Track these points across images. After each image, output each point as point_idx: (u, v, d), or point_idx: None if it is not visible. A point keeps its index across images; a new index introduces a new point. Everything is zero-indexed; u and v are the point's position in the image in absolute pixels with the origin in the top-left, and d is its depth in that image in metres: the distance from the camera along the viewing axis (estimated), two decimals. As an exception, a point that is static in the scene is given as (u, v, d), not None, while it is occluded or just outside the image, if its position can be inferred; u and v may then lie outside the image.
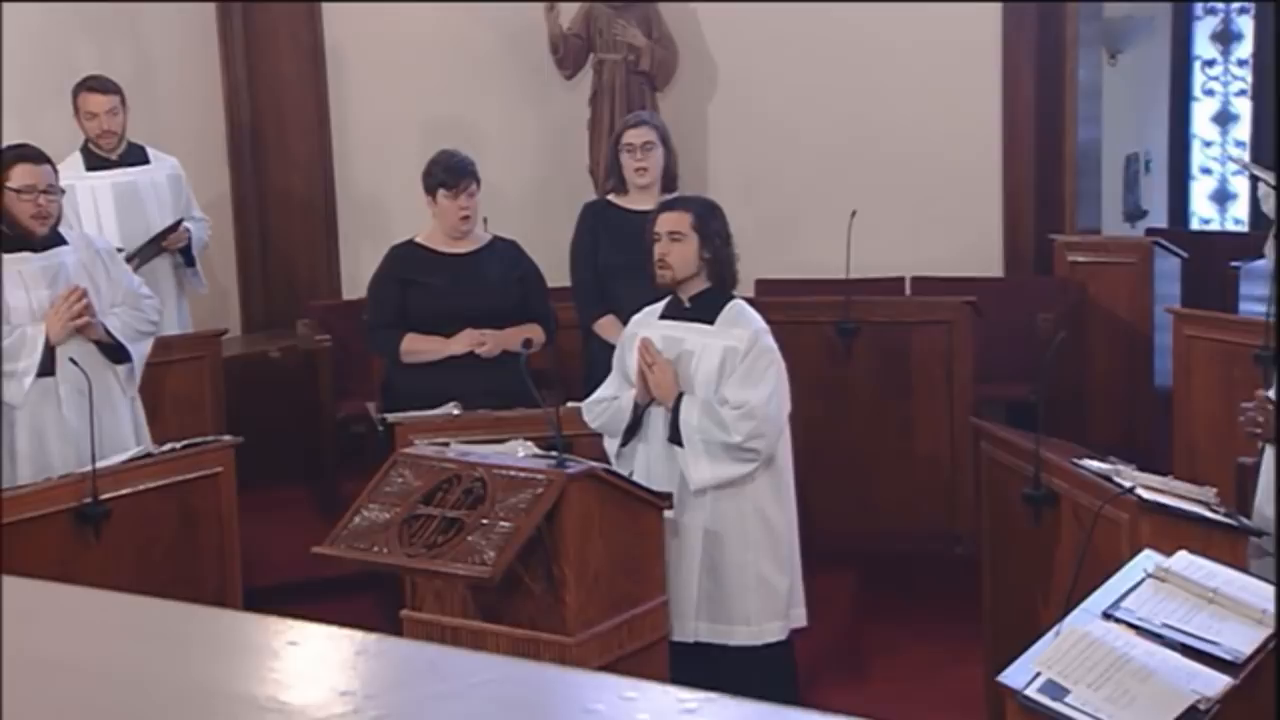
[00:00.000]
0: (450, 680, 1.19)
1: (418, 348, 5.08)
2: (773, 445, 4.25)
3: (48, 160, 4.64)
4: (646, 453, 4.34)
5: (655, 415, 4.32)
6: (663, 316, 4.42)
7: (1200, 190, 9.23)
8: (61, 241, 4.68)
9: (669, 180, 5.38)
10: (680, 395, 4.25)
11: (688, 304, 4.39)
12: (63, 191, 4.74)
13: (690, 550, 4.25)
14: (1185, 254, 6.76)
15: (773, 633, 4.30)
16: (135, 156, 6.00)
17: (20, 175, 4.55)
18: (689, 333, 4.34)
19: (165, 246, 5.91)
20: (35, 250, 4.60)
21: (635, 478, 4.26)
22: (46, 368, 4.52)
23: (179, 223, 5.93)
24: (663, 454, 4.30)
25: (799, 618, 4.38)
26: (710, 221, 4.37)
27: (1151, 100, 9.00)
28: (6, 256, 4.56)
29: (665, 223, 4.38)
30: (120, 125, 5.91)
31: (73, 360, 4.46)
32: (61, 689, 1.24)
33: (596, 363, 5.04)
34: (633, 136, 5.36)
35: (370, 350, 5.55)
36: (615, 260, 5.23)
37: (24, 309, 4.53)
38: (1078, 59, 7.19)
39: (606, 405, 4.38)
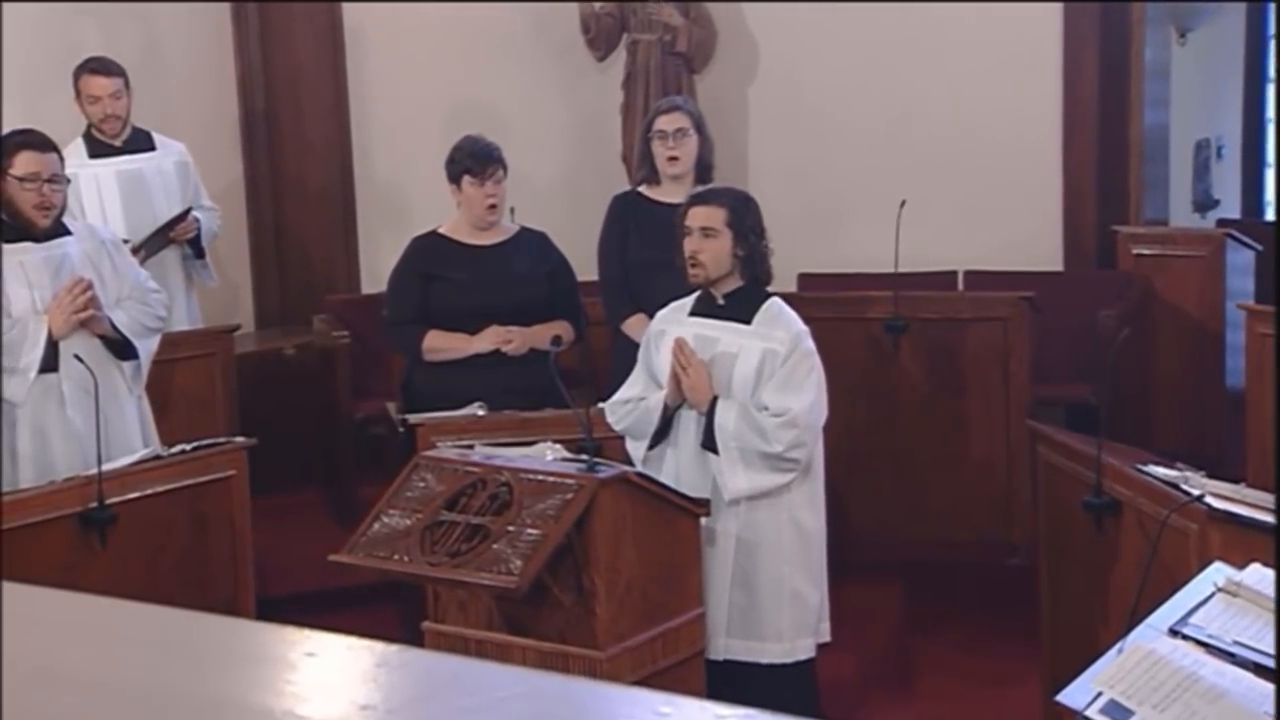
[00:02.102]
0: (476, 694, 1.19)
1: (441, 345, 5.10)
2: (812, 454, 4.25)
3: (53, 148, 4.67)
4: (676, 458, 4.33)
5: (686, 419, 4.31)
6: (693, 313, 4.41)
7: (1276, 178, 9.15)
8: (65, 232, 4.71)
9: (703, 170, 5.35)
10: (715, 399, 4.25)
11: (721, 301, 4.37)
12: (68, 181, 4.77)
13: (721, 562, 4.24)
14: (1259, 246, 6.71)
15: (804, 649, 4.30)
16: (140, 143, 6.03)
17: (24, 163, 4.58)
18: (724, 332, 4.32)
19: (173, 237, 5.94)
20: (37, 241, 4.63)
21: (663, 483, 4.26)
22: (49, 364, 4.55)
23: (187, 212, 5.96)
24: (694, 460, 4.29)
25: (825, 632, 4.39)
26: (744, 216, 4.35)
27: (1224, 82, 8.93)
28: (7, 247, 4.60)
29: (697, 218, 4.37)
30: (124, 109, 5.94)
31: (77, 357, 4.49)
32: (65, 702, 1.24)
33: (625, 362, 5.03)
34: (664, 123, 5.34)
35: (390, 347, 5.57)
36: (646, 255, 5.22)
37: (26, 302, 4.57)
38: (1144, 38, 7.15)
39: (633, 406, 4.38)
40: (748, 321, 4.32)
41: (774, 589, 4.25)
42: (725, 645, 4.26)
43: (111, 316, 4.65)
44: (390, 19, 7.31)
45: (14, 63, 6.20)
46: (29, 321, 4.55)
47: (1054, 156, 7.16)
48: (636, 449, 4.38)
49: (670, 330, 4.37)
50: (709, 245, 4.33)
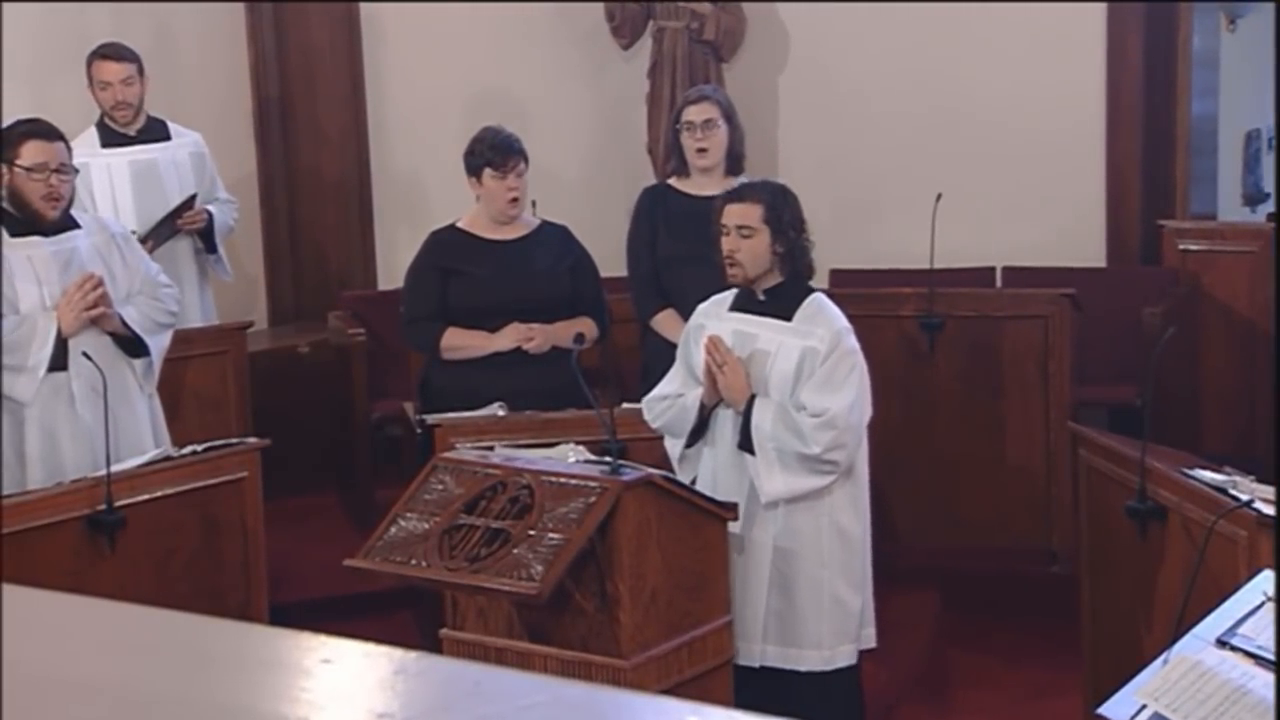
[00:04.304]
0: (496, 702, 1.20)
1: (460, 343, 5.11)
2: (852, 456, 4.24)
3: (60, 137, 4.69)
4: (713, 458, 4.34)
5: (724, 418, 4.31)
6: (733, 308, 4.40)
7: (1329, 171, 9.09)
8: (74, 225, 4.73)
9: (734, 161, 5.36)
10: (752, 398, 4.24)
11: (762, 297, 4.37)
12: (76, 171, 4.79)
13: (758, 566, 4.24)
14: (1312, 241, 6.68)
15: (845, 656, 4.29)
16: (155, 132, 6.05)
17: (31, 153, 4.60)
18: (763, 329, 4.32)
19: (179, 225, 5.94)
20: (46, 234, 4.65)
21: (700, 484, 4.26)
22: (58, 362, 4.57)
23: (192, 199, 5.95)
24: (731, 460, 4.29)
25: (869, 639, 4.38)
26: (782, 211, 4.35)
27: (1275, 70, 8.88)
28: (15, 241, 4.62)
29: (733, 215, 4.36)
30: (136, 96, 5.96)
31: (86, 355, 4.51)
32: (72, 709, 1.25)
33: (654, 360, 5.05)
34: (693, 113, 5.34)
35: (408, 345, 5.58)
36: (676, 250, 5.23)
37: (34, 298, 4.59)
38: (1192, 24, 7.11)
39: (670, 403, 4.38)
40: (788, 318, 4.31)
41: (813, 595, 4.24)
42: (762, 651, 4.26)
43: (122, 312, 4.67)
44: (408, 4, 7.33)
45: (23, 52, 6.23)
46: (38, 318, 4.57)
47: (1097, 147, 7.13)
48: (674, 447, 4.39)
49: (710, 325, 4.37)
50: (746, 244, 4.32)
